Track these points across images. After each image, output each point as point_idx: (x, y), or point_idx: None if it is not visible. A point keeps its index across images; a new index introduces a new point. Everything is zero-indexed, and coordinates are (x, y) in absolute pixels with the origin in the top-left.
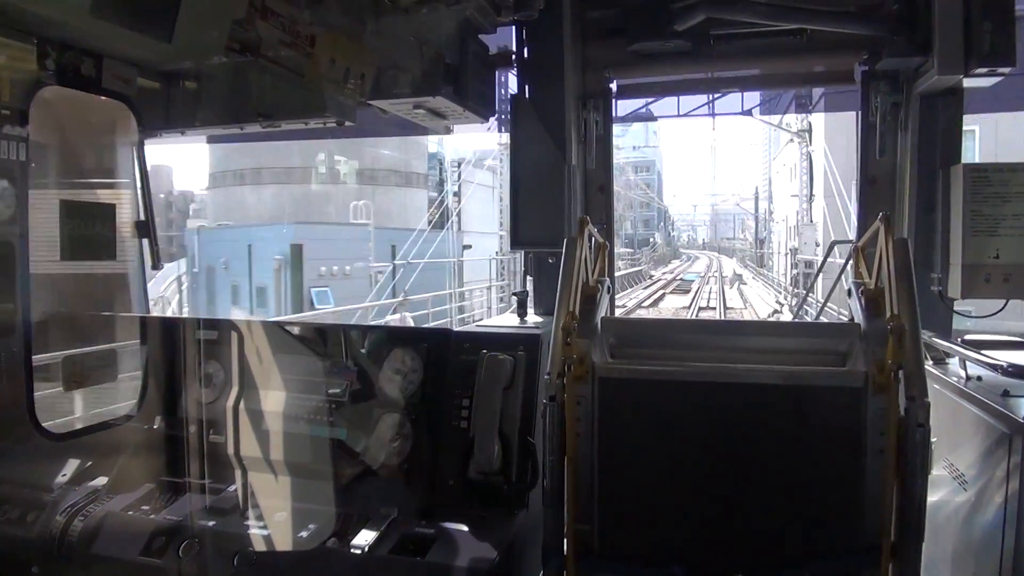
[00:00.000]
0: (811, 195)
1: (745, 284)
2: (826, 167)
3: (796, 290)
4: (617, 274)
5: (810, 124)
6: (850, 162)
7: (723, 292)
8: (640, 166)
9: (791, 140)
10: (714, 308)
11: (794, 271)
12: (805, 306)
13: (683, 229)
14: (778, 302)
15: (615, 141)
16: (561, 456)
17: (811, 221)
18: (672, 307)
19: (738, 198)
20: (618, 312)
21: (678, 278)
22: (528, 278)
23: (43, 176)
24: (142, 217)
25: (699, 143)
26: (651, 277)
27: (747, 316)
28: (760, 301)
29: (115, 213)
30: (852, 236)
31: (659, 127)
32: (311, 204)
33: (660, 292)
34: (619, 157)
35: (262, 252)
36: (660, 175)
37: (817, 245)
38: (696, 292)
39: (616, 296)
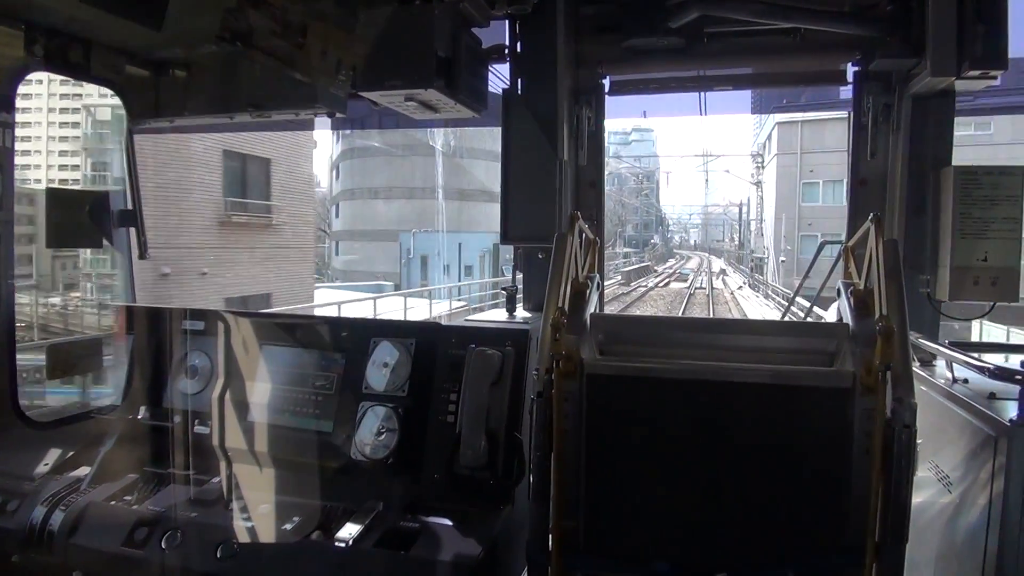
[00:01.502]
0: (762, 219)
1: (727, 275)
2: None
3: (753, 274)
4: (630, 268)
5: (761, 180)
6: (791, 196)
7: (711, 281)
8: (642, 175)
9: (754, 183)
10: (704, 288)
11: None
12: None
13: (676, 231)
14: (743, 283)
15: (619, 151)
16: (548, 452)
17: (762, 235)
18: (677, 287)
19: (727, 203)
20: (644, 288)
21: (677, 272)
22: (518, 273)
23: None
24: (130, 206)
25: (693, 150)
26: (656, 271)
27: (719, 286)
28: (733, 283)
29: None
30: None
31: (657, 138)
32: (425, 215)
33: (666, 280)
34: (621, 166)
35: (470, 246)
36: (658, 183)
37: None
38: (691, 280)
39: (634, 281)
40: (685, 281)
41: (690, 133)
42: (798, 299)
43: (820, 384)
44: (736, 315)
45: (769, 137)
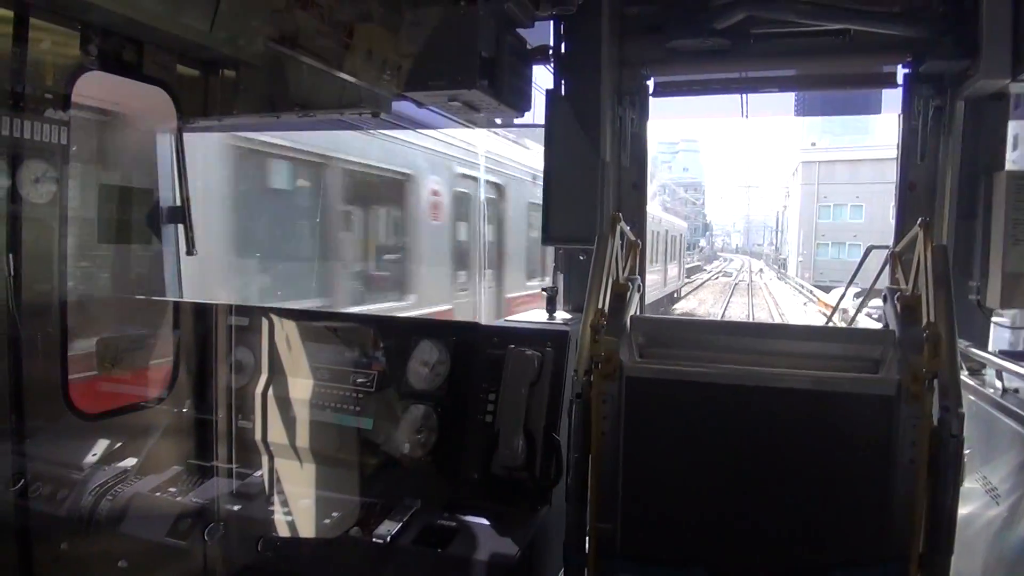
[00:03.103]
0: (787, 231)
1: (763, 273)
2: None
3: (780, 270)
4: (687, 266)
5: (786, 205)
6: (810, 215)
7: (751, 277)
8: (689, 186)
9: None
10: (745, 280)
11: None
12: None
13: (718, 235)
14: (773, 277)
15: (667, 161)
16: (585, 454)
17: (786, 242)
18: (723, 282)
19: (776, 207)
20: (700, 281)
21: (722, 271)
22: (559, 274)
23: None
24: (178, 203)
25: (738, 155)
26: (706, 270)
27: (756, 280)
28: (767, 277)
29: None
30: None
31: (702, 148)
32: None
33: (716, 276)
34: (670, 177)
35: None
36: (704, 192)
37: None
38: (735, 276)
39: (688, 274)
40: (730, 277)
41: (732, 141)
42: (814, 288)
43: (864, 391)
44: (762, 290)
45: (795, 171)
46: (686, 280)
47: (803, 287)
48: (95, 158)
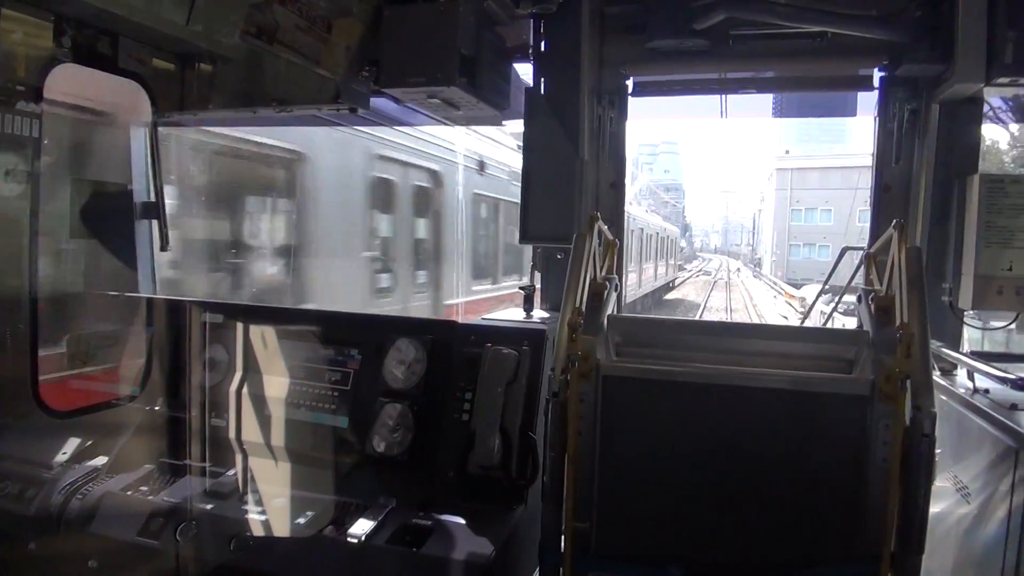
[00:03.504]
0: (761, 233)
1: (740, 272)
2: (775, 215)
3: (755, 268)
4: (677, 262)
5: (761, 209)
6: (783, 218)
7: (729, 276)
8: (670, 188)
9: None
10: (723, 278)
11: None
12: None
13: (698, 235)
14: (750, 275)
15: (648, 164)
16: (562, 453)
17: (760, 242)
18: (704, 280)
19: (753, 210)
20: (685, 273)
21: (702, 270)
22: (536, 273)
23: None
24: (152, 198)
25: (717, 161)
26: (686, 268)
27: (733, 278)
28: (743, 275)
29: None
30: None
31: (682, 152)
32: None
33: (696, 274)
34: (651, 179)
35: None
36: (684, 194)
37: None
38: (714, 275)
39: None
40: (710, 275)
41: (712, 146)
42: (784, 284)
43: (838, 391)
44: (740, 287)
45: (770, 177)
46: (676, 274)
47: (775, 283)
48: (68, 152)
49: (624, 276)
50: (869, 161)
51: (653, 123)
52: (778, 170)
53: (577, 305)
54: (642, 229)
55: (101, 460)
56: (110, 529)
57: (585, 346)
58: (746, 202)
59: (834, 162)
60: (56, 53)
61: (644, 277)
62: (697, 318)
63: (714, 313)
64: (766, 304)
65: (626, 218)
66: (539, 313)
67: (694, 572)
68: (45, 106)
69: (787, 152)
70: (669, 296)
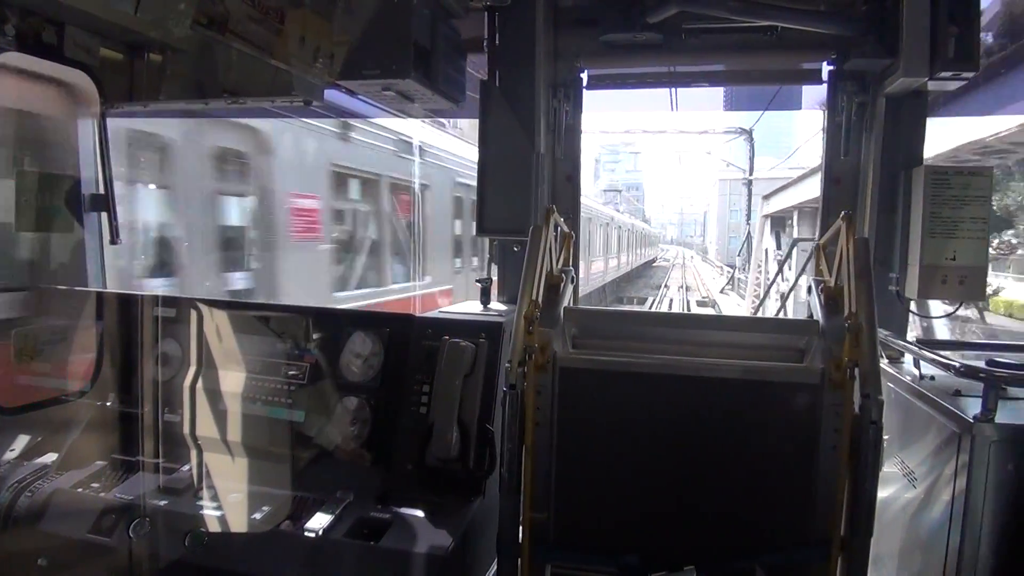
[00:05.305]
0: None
1: (694, 259)
2: (718, 214)
3: (704, 255)
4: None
5: (707, 210)
6: (724, 218)
7: (684, 263)
8: (631, 186)
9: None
10: (679, 264)
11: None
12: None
13: (656, 228)
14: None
15: (611, 166)
16: (519, 445)
17: (706, 234)
18: (664, 264)
19: (703, 208)
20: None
21: (662, 258)
22: (493, 266)
23: None
24: (101, 190)
25: (671, 156)
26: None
27: (687, 263)
28: (695, 262)
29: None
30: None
31: (642, 153)
32: None
33: (658, 260)
34: (613, 177)
35: None
36: (644, 191)
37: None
38: (672, 261)
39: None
40: (668, 262)
41: (669, 158)
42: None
43: (790, 380)
44: (692, 268)
45: (714, 184)
46: (650, 258)
47: (714, 264)
48: (12, 143)
49: (630, 256)
50: (791, 175)
51: (607, 116)
52: (720, 180)
53: (534, 298)
54: (632, 226)
55: (51, 457)
56: (60, 527)
57: (542, 338)
58: (699, 201)
59: (765, 174)
60: None
61: (641, 256)
62: (653, 309)
63: (675, 285)
64: (710, 279)
65: (623, 220)
66: (496, 306)
67: (650, 560)
68: None
69: (728, 165)
70: (654, 266)
